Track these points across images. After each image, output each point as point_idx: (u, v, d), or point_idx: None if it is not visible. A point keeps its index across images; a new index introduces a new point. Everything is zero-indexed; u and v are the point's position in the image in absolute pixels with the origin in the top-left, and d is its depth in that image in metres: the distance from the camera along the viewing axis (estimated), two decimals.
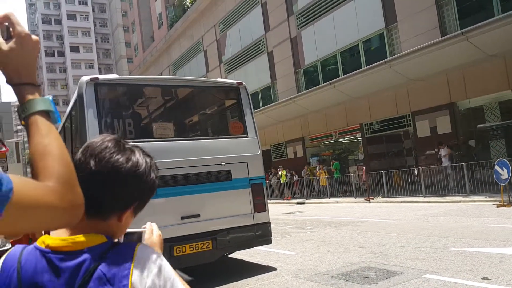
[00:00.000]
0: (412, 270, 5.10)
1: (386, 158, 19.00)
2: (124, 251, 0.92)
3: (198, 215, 5.44)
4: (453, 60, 12.85)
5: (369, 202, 14.78)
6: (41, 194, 0.76)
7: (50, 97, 0.90)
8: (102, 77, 5.44)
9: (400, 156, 18.74)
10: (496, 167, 10.17)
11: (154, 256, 0.94)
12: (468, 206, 10.84)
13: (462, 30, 11.58)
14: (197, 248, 5.31)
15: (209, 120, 7.02)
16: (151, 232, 1.15)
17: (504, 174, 9.91)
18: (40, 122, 0.85)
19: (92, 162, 0.93)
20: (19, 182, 0.73)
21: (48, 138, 0.84)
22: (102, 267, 0.87)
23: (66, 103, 65.35)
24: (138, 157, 0.98)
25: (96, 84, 5.28)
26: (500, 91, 13.33)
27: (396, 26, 16.13)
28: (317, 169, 18.85)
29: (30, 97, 0.86)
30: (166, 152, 5.42)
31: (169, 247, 5.08)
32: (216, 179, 5.69)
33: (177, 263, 5.23)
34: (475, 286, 4.26)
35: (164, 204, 5.27)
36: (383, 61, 14.05)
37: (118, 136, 1.01)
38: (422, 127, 15.57)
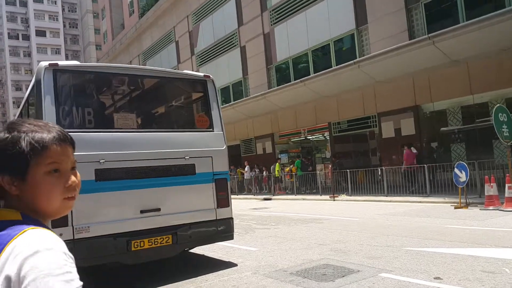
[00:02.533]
0: (369, 268, 5.19)
1: (352, 157, 19.38)
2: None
3: (159, 209, 5.31)
4: (419, 63, 13.20)
5: (334, 200, 15.02)
6: None
7: None
8: (62, 63, 5.20)
9: (365, 155, 19.13)
10: (455, 170, 10.53)
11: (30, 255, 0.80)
12: (427, 207, 11.19)
13: (429, 35, 11.91)
14: (156, 243, 5.19)
15: (174, 112, 6.86)
16: None
17: (463, 176, 10.27)
18: None
19: None
20: None
21: None
22: None
23: None
24: None
25: (55, 70, 5.04)
26: (463, 96, 13.84)
27: (367, 28, 16.39)
28: (290, 167, 19.17)
29: None
30: (128, 143, 5.26)
31: (126, 241, 4.94)
32: (179, 172, 5.58)
33: (135, 258, 5.11)
34: (427, 286, 4.38)
35: (123, 197, 5.11)
36: (352, 61, 14.25)
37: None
38: (387, 128, 15.96)
